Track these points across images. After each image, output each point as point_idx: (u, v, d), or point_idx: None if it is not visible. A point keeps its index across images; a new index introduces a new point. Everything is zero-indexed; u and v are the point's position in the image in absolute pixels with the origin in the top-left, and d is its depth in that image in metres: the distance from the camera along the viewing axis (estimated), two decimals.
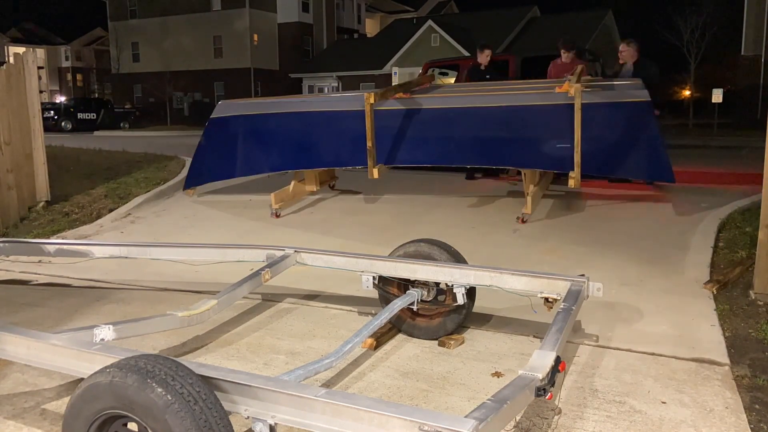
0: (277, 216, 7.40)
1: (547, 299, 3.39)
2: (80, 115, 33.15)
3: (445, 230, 6.26)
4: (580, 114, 5.94)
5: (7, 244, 5.12)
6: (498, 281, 3.53)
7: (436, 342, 3.75)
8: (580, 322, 3.97)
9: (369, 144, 6.69)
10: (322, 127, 7.47)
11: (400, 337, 3.87)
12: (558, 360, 2.40)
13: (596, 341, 3.74)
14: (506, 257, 5.54)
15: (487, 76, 9.12)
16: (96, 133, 30.46)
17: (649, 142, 6.49)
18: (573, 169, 6.09)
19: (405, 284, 3.83)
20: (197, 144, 8.33)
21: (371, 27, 51.02)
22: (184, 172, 9.38)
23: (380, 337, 3.74)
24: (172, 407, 1.91)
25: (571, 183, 6.12)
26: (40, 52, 58.64)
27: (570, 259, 5.41)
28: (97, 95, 58.33)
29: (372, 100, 6.65)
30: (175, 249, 4.57)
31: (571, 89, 6.02)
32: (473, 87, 8.04)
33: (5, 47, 56.50)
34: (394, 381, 3.27)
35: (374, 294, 4.00)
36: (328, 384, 3.21)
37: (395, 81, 20.99)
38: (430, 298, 3.80)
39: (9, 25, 62.81)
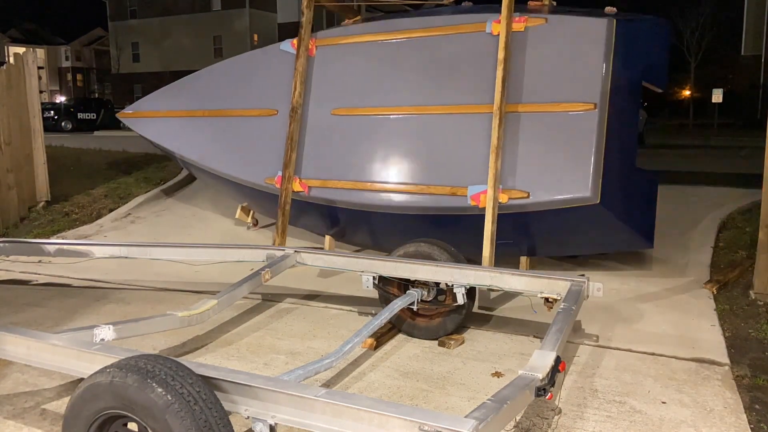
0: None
1: (547, 299, 3.40)
2: (80, 115, 33.05)
3: None
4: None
5: (7, 244, 5.12)
6: (498, 281, 3.53)
7: (436, 342, 3.75)
8: (580, 322, 3.97)
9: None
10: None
11: (400, 337, 3.86)
12: (558, 360, 2.40)
13: (596, 341, 3.74)
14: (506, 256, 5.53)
15: None
16: (96, 133, 30.38)
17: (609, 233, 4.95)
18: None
19: (405, 284, 3.83)
20: None
21: None
22: (185, 172, 9.37)
23: (380, 337, 3.74)
24: (172, 407, 1.91)
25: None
26: (40, 52, 58.67)
27: (570, 259, 5.42)
28: (97, 95, 58.45)
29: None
30: (175, 249, 4.57)
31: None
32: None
33: (5, 47, 56.57)
34: (394, 381, 3.27)
35: (374, 294, 4.00)
36: (328, 384, 3.21)
37: None
38: (430, 298, 3.80)
39: (9, 25, 62.94)
